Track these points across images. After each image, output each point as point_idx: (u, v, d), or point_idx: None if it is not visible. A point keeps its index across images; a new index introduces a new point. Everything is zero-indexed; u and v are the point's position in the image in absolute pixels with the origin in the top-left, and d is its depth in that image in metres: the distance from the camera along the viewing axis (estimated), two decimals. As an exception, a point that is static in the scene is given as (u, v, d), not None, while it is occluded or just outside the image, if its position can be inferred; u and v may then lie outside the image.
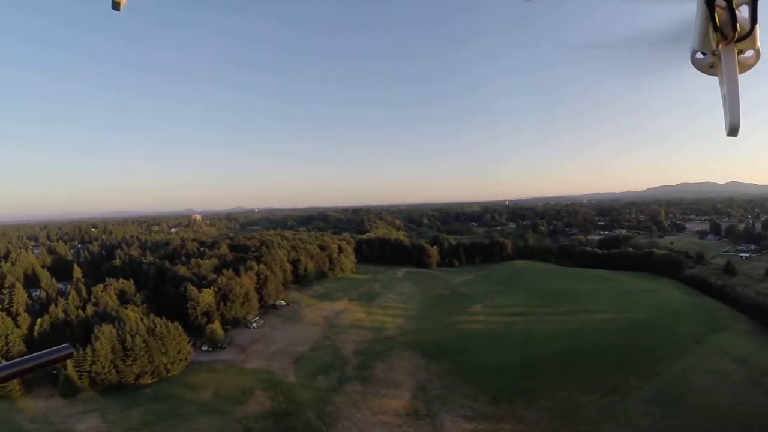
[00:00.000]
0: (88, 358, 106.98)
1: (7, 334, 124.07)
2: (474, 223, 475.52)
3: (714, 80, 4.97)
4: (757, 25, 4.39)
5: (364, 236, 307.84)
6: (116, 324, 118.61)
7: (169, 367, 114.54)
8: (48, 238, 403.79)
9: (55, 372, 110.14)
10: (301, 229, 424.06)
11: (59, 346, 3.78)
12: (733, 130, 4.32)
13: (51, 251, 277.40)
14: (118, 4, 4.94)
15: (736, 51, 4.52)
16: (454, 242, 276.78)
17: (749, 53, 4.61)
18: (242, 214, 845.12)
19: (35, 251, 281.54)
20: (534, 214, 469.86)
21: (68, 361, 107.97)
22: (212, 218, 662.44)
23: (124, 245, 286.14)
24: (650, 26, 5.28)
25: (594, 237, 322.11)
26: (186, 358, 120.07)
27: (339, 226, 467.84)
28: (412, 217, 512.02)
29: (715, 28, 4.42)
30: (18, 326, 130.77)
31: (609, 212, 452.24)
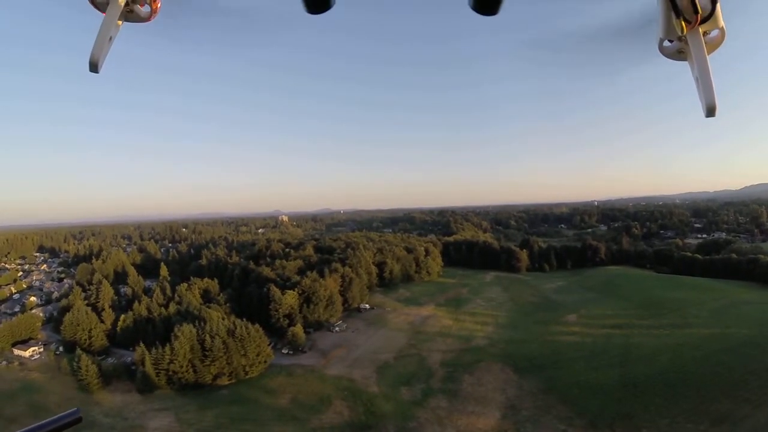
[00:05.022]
0: (167, 357, 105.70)
1: (91, 329, 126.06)
2: (563, 225, 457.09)
3: None
4: (718, 5, 4.41)
5: (451, 238, 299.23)
6: (196, 324, 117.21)
7: (247, 369, 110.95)
8: (140, 237, 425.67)
9: (134, 368, 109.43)
10: (386, 230, 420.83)
11: (69, 411, 3.71)
12: (710, 111, 4.39)
13: (141, 250, 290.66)
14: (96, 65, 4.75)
15: (701, 33, 4.57)
16: (544, 245, 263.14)
17: (715, 33, 4.62)
18: (328, 215, 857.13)
19: (127, 250, 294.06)
20: (625, 216, 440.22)
21: (146, 357, 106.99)
22: (299, 219, 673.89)
23: (211, 245, 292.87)
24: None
25: (691, 241, 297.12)
26: (265, 361, 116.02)
27: (425, 227, 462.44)
28: (499, 218, 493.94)
29: (678, 14, 4.43)
30: (102, 321, 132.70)
31: (705, 213, 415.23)
